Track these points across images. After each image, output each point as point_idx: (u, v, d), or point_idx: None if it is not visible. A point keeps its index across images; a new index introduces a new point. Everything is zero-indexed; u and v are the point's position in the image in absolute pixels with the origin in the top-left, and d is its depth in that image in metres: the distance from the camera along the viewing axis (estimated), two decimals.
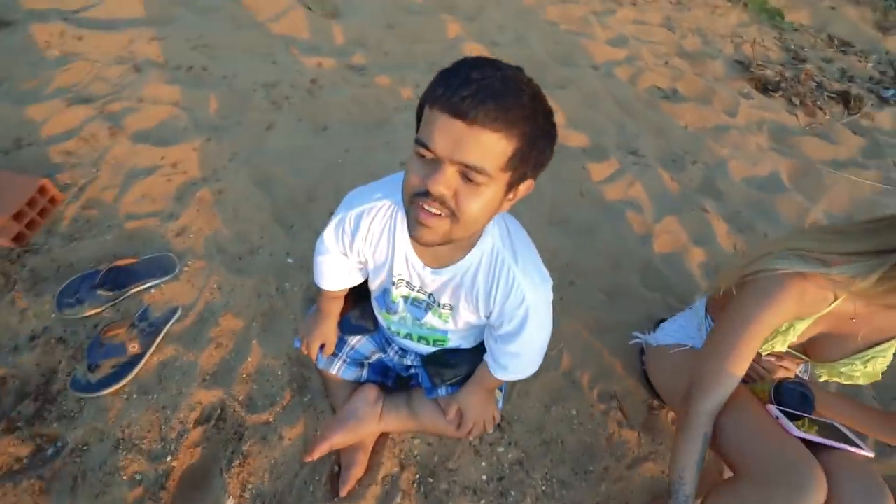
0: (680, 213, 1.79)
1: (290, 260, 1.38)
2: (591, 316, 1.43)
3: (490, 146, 0.56)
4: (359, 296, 1.07)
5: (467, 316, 0.86)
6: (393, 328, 1.00)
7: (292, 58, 1.90)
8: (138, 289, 1.25)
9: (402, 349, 1.09)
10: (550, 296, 0.83)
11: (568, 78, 2.22)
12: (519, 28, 2.37)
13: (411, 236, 0.66)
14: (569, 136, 1.96)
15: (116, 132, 1.55)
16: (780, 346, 0.95)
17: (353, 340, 1.09)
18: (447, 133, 0.56)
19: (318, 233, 1.45)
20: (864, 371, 0.97)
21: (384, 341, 1.11)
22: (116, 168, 1.48)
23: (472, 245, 0.77)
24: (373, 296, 1.00)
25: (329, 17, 2.12)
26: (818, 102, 2.48)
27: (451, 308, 0.87)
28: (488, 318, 0.85)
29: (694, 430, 0.91)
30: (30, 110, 1.55)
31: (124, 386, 1.11)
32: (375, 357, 1.11)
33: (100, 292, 1.20)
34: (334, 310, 1.04)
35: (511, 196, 0.65)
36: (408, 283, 0.86)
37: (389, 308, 0.94)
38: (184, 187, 1.48)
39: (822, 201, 1.99)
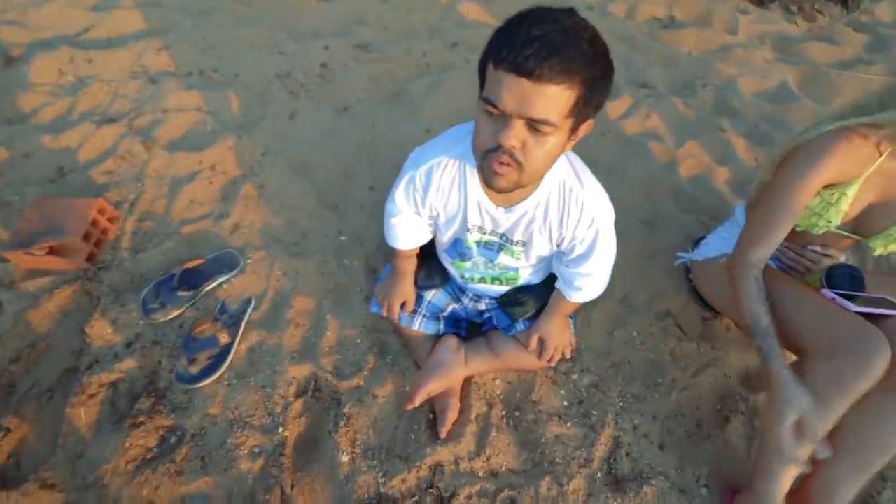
0: (699, 137, 1.80)
1: (343, 238, 1.43)
2: (636, 244, 1.47)
3: (555, 98, 0.59)
4: (423, 256, 1.12)
5: (540, 248, 0.91)
6: (466, 275, 1.05)
7: (297, 45, 1.89)
8: (211, 286, 1.31)
9: (476, 295, 1.14)
10: (613, 216, 0.88)
11: None
12: None
13: (488, 185, 0.70)
14: None
15: (150, 145, 1.58)
16: (835, 218, 0.98)
17: (429, 295, 1.14)
18: (514, 91, 0.59)
19: (363, 208, 1.51)
20: None
21: (457, 291, 1.16)
22: (159, 179, 1.51)
23: (540, 181, 0.81)
24: (441, 249, 1.05)
25: (322, 0, 2.10)
26: (815, 6, 2.44)
27: (524, 244, 0.91)
28: (559, 246, 0.90)
29: (744, 277, 0.96)
30: (63, 138, 1.57)
31: (223, 373, 1.18)
32: (450, 308, 1.16)
33: (179, 293, 1.25)
34: (410, 268, 1.08)
35: (574, 137, 0.69)
36: (480, 227, 0.90)
37: (463, 255, 0.99)
38: (227, 187, 1.51)
39: (834, 103, 1.99)
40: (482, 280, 1.05)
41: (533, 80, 0.57)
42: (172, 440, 1.10)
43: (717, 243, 1.29)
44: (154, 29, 1.91)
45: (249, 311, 1.27)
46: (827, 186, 0.97)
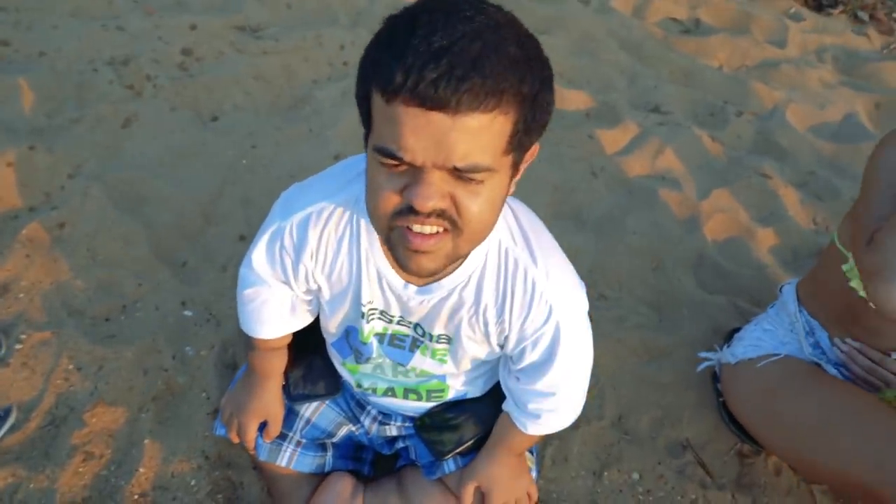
0: (732, 184, 1.98)
1: (187, 312, 1.42)
2: (636, 338, 1.54)
3: (484, 132, 0.61)
4: (298, 347, 1.12)
5: (473, 349, 0.94)
6: (365, 384, 1.06)
7: (148, 20, 1.98)
8: None
9: (382, 413, 1.14)
10: (586, 304, 0.92)
11: (552, 18, 2.43)
12: None
13: (406, 270, 0.72)
14: (565, 98, 2.14)
15: None
16: None
17: (308, 410, 1.13)
18: (424, 132, 0.60)
19: (226, 268, 1.52)
20: None
21: (354, 405, 1.16)
22: None
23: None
24: (330, 341, 1.06)
25: None
26: (894, 14, 2.82)
27: (449, 340, 0.94)
28: (502, 347, 0.93)
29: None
30: None
31: None
32: (343, 432, 1.15)
33: None
34: (276, 367, 1.08)
35: (517, 174, 0.74)
36: (382, 312, 0.93)
37: (359, 354, 1.00)
38: None
39: None
40: (389, 392, 1.06)
41: (450, 112, 0.59)
42: None
43: (758, 338, 1.38)
44: None
45: (3, 430, 1.20)
46: None
